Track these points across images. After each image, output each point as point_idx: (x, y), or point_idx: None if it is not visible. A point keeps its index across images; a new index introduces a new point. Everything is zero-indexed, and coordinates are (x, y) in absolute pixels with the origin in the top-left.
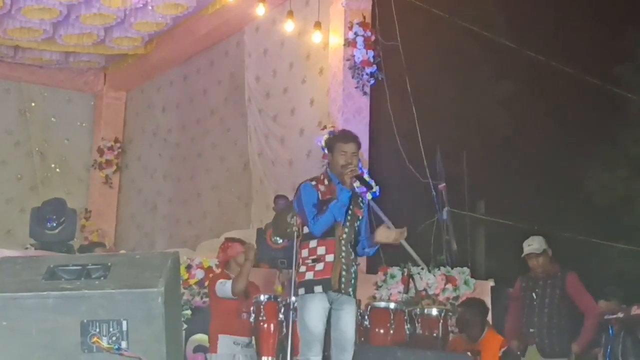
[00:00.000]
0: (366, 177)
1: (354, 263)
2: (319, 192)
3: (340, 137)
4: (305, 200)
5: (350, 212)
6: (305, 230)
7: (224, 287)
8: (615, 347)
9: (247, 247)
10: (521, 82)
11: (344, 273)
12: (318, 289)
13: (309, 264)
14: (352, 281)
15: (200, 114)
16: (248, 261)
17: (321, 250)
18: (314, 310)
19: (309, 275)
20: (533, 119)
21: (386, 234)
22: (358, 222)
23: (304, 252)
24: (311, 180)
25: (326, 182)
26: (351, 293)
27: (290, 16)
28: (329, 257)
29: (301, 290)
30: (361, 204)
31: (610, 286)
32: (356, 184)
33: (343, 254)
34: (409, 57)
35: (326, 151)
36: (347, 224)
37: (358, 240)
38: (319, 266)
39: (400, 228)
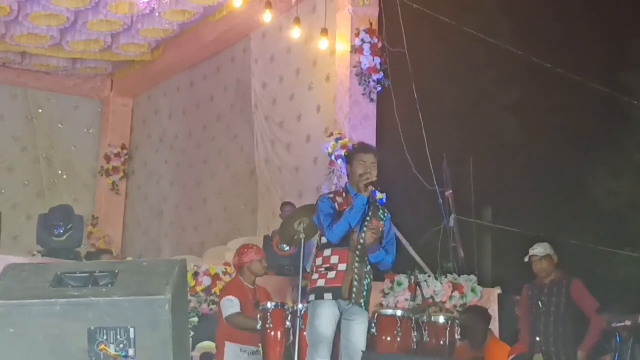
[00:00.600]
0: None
1: (368, 276)
2: (336, 203)
3: (359, 149)
4: (322, 210)
5: (367, 222)
6: (323, 240)
7: (229, 309)
8: (623, 354)
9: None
10: (528, 88)
11: (355, 283)
12: (328, 296)
13: (322, 272)
14: (365, 293)
15: (207, 120)
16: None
17: (335, 259)
18: (324, 315)
19: (321, 283)
20: (540, 125)
21: (370, 235)
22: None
23: (318, 261)
24: (329, 193)
25: (344, 194)
26: (363, 305)
27: (297, 23)
28: (342, 266)
29: (312, 297)
30: (382, 217)
31: (615, 294)
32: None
33: (357, 264)
34: (415, 64)
35: (346, 164)
36: (363, 234)
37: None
38: (331, 274)
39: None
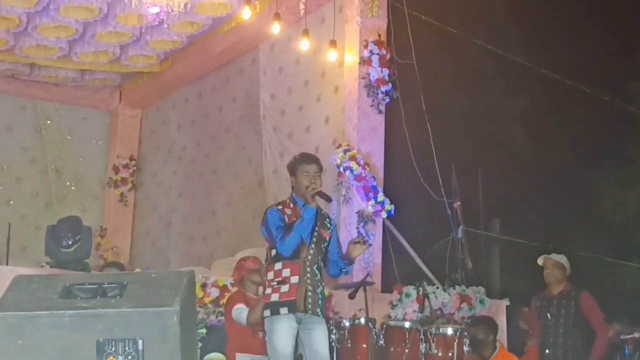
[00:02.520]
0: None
1: (319, 284)
2: (285, 215)
3: (302, 159)
4: (272, 223)
5: (315, 233)
6: (272, 253)
7: (240, 315)
8: None
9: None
10: (536, 99)
11: (309, 294)
12: (284, 310)
13: (275, 286)
14: (320, 302)
15: (215, 131)
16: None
17: (286, 272)
18: (281, 331)
19: (275, 297)
20: (548, 136)
21: (359, 248)
22: (325, 244)
23: (270, 275)
24: (277, 205)
25: (292, 205)
26: (319, 313)
27: (306, 34)
28: (294, 279)
29: (267, 312)
30: (328, 225)
31: (625, 306)
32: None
33: (308, 274)
34: (424, 75)
35: (289, 175)
36: (313, 245)
37: (328, 260)
38: (284, 288)
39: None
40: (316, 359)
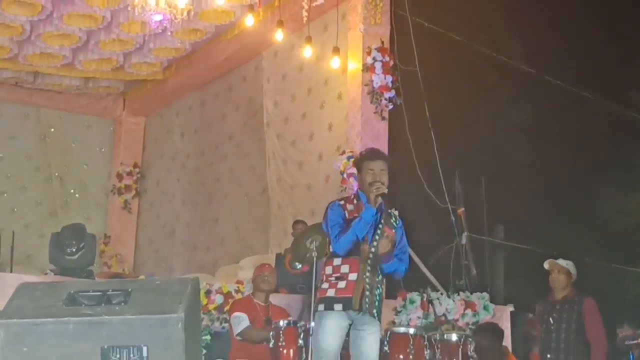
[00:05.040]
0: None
1: (379, 285)
2: (346, 210)
3: (367, 155)
4: (331, 219)
5: (379, 231)
6: (332, 248)
7: (236, 323)
8: None
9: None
10: (539, 106)
11: (367, 293)
12: (338, 306)
13: (332, 281)
14: (377, 303)
15: (219, 139)
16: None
17: (345, 268)
18: (330, 328)
19: (331, 292)
20: (551, 143)
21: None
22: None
23: (328, 270)
24: (340, 199)
25: (355, 201)
26: (375, 315)
27: (309, 41)
28: (352, 276)
29: (320, 307)
30: (394, 223)
31: (630, 312)
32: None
33: (368, 273)
34: (427, 82)
35: (355, 171)
36: (375, 243)
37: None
38: (342, 284)
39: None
40: None
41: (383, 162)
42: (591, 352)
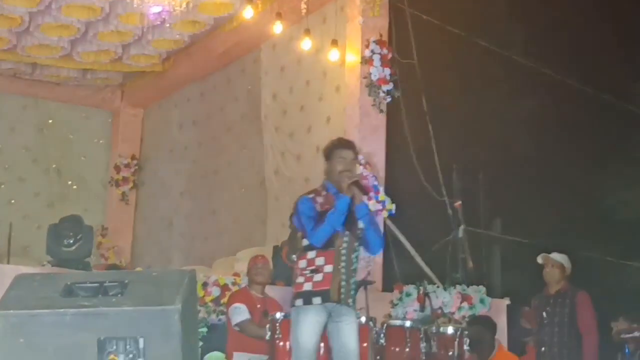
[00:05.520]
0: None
1: (353, 274)
2: (316, 204)
3: (339, 144)
4: (303, 213)
5: (351, 220)
6: (304, 242)
7: (234, 315)
8: None
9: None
10: (538, 100)
11: (343, 284)
12: (317, 300)
13: (307, 275)
14: (352, 292)
15: (217, 131)
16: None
17: (320, 260)
18: (307, 325)
19: (307, 286)
20: (549, 136)
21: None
22: (359, 231)
23: (302, 263)
24: (308, 193)
25: (323, 192)
26: (351, 304)
27: (307, 34)
28: (328, 268)
29: (298, 302)
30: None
31: (627, 306)
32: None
33: (343, 264)
34: (425, 75)
35: (324, 159)
36: (347, 232)
37: (367, 243)
38: (318, 277)
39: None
40: (343, 353)
41: (353, 152)
42: (582, 344)
